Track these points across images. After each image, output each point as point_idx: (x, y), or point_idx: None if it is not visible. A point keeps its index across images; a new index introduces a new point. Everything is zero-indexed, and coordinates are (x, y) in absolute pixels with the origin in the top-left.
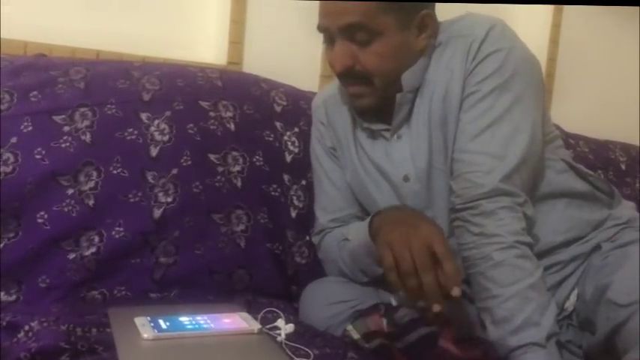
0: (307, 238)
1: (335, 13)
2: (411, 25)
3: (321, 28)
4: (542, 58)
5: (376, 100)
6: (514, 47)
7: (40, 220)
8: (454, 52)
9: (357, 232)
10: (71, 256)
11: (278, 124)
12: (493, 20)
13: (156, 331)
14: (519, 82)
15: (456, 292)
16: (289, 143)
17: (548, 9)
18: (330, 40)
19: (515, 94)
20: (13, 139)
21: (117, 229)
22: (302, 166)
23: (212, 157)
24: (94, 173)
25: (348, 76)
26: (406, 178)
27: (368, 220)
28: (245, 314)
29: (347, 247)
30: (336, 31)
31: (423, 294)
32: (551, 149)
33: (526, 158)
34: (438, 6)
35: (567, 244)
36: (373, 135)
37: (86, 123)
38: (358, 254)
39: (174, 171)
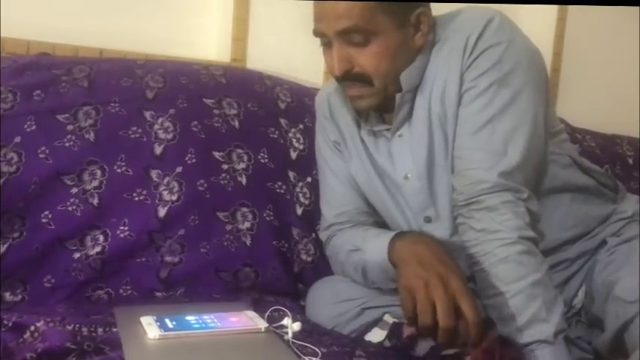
0: (313, 235)
1: (331, 17)
2: (406, 23)
3: (317, 33)
4: (547, 52)
5: (376, 101)
6: (513, 40)
7: (44, 220)
8: (452, 48)
9: (374, 249)
10: (76, 255)
11: (282, 121)
12: (491, 13)
13: (162, 330)
14: (520, 76)
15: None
16: (294, 140)
17: None
18: (327, 43)
19: (515, 89)
20: (17, 139)
21: (122, 228)
22: (307, 163)
23: (217, 154)
24: (98, 172)
25: (347, 79)
26: (406, 177)
27: (386, 240)
28: (252, 312)
29: (358, 257)
30: (332, 35)
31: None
32: (556, 143)
33: (528, 154)
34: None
35: (574, 240)
36: (375, 134)
37: (90, 122)
38: (372, 269)
39: (179, 169)
